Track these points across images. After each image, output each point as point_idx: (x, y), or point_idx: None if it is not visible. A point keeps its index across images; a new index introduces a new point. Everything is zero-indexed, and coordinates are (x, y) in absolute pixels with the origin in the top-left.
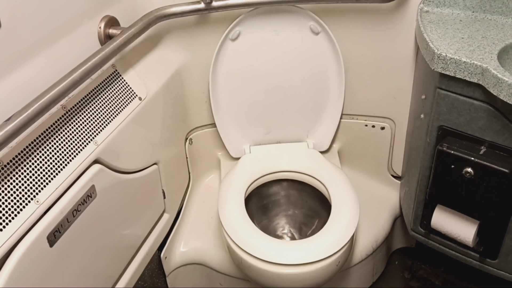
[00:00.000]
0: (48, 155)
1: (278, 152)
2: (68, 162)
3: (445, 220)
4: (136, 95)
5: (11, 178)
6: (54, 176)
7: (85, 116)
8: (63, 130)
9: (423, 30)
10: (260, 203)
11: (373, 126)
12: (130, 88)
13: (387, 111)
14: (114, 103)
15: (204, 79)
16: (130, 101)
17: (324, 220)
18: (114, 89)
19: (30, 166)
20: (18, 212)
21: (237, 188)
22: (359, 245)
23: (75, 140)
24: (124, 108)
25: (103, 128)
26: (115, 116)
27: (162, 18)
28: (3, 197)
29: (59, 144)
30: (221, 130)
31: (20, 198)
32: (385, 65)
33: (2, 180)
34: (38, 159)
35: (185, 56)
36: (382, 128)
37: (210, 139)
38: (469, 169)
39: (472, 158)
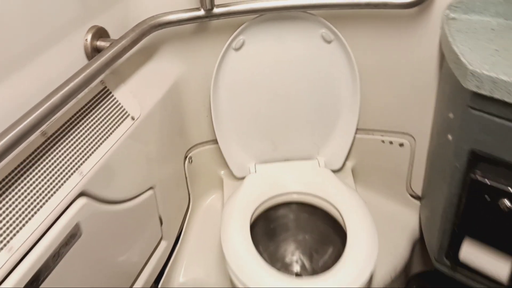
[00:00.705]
0: (23, 193)
1: (286, 171)
2: (47, 200)
3: (475, 254)
4: (129, 115)
5: None
6: (31, 217)
7: (69, 143)
8: (42, 162)
9: (452, 41)
10: (267, 227)
11: (391, 143)
12: (122, 106)
13: (406, 126)
14: (103, 125)
15: (204, 92)
16: (122, 122)
17: (338, 248)
18: (103, 109)
19: (2, 207)
20: None
21: (242, 214)
22: (377, 276)
23: (56, 172)
24: (114, 130)
25: (90, 155)
26: (105, 139)
27: (157, 27)
28: None
29: (37, 179)
30: (223, 147)
31: None
32: (405, 76)
33: None
34: (11, 198)
35: (183, 68)
36: (401, 145)
37: (212, 156)
38: (506, 201)
39: (510, 189)
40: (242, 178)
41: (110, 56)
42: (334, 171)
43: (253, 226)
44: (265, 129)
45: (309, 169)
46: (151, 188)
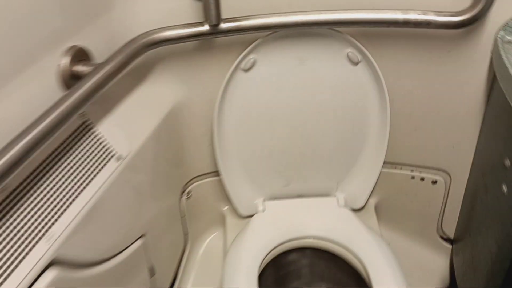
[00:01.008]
0: None
1: (300, 210)
2: (5, 278)
3: None
4: (114, 154)
5: None
6: None
7: (36, 198)
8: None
9: None
10: (276, 273)
11: (422, 179)
12: (106, 144)
13: (441, 161)
14: (82, 170)
15: (207, 119)
16: (106, 164)
17: None
18: (83, 150)
19: None
20: None
21: (248, 264)
22: None
23: (19, 239)
24: (96, 175)
25: (64, 211)
26: (83, 188)
27: (152, 46)
28: None
29: None
30: (227, 182)
31: None
32: (444, 105)
33: None
34: None
35: (182, 91)
36: (434, 182)
37: (213, 190)
38: None
39: None
40: (248, 216)
41: (93, 85)
42: (355, 210)
43: (260, 274)
44: (277, 162)
45: (327, 208)
46: (142, 236)
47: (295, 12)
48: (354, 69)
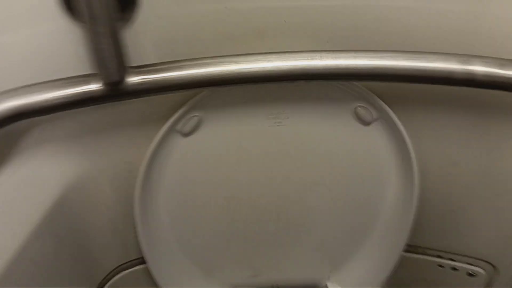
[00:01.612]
0: None
1: None
2: None
3: None
4: None
5: None
6: None
7: None
8: None
9: None
10: None
11: (455, 269)
12: None
13: (485, 250)
14: None
15: (126, 197)
16: None
17: None
18: None
19: None
20: None
21: None
22: None
23: None
24: None
25: None
26: None
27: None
28: None
29: None
30: (157, 273)
31: None
32: (501, 185)
33: None
34: None
35: (80, 167)
36: (471, 275)
37: (147, 279)
38: None
39: None
40: None
41: None
42: None
43: None
44: (240, 249)
45: None
46: None
47: (266, 54)
48: (364, 130)
